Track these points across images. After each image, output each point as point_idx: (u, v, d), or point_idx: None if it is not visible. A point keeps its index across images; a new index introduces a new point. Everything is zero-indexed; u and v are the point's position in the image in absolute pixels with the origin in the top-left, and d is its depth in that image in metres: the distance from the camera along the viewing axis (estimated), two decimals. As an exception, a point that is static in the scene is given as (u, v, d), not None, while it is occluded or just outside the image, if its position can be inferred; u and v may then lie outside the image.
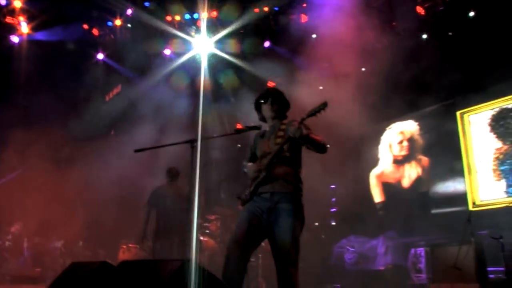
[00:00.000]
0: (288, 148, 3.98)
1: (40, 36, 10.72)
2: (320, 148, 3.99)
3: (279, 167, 3.98)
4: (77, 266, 3.77)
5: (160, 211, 7.59)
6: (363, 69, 10.89)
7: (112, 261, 3.69)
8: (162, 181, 8.04)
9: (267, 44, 11.20)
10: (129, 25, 11.35)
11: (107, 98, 12.73)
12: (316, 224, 11.06)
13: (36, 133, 10.00)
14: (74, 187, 10.55)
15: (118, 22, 11.19)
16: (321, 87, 10.72)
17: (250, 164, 4.13)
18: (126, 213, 10.20)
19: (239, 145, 11.31)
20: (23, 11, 10.51)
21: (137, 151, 4.57)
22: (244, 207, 4.05)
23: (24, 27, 10.68)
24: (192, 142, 4.29)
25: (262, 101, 4.28)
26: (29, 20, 10.66)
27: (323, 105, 3.74)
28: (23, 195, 10.05)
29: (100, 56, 11.82)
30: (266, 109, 4.26)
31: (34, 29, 10.74)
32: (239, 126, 4.39)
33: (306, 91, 9.24)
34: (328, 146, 4.06)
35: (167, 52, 11.68)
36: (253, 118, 4.54)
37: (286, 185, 3.95)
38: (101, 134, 11.71)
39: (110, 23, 11.32)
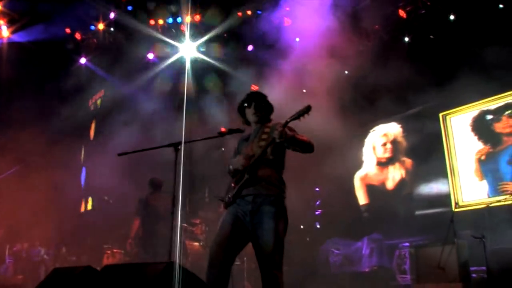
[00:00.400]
0: (271, 151, 3.97)
1: (19, 37, 10.59)
2: (306, 147, 3.98)
3: (263, 170, 3.96)
4: (60, 272, 3.73)
5: (146, 220, 7.64)
6: (346, 72, 10.96)
7: (97, 266, 3.66)
8: (146, 190, 8.06)
9: (250, 48, 11.21)
10: (112, 29, 11.31)
11: (89, 103, 12.65)
12: (302, 227, 11.09)
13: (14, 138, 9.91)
14: (56, 193, 10.46)
15: (101, 26, 11.15)
16: (304, 90, 10.77)
17: (237, 157, 4.11)
18: (110, 218, 10.13)
19: (222, 149, 11.30)
20: (3, 14, 10.41)
21: (120, 154, 4.56)
22: (227, 210, 4.03)
23: (5, 31, 10.57)
24: (175, 146, 4.28)
25: (246, 104, 4.28)
26: (10, 23, 10.56)
27: (307, 109, 3.74)
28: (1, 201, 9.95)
29: (83, 60, 11.75)
30: (250, 113, 4.26)
31: (14, 32, 10.63)
32: (222, 129, 4.37)
33: (289, 95, 9.27)
34: (313, 147, 4.05)
35: (150, 56, 11.64)
36: (238, 121, 4.54)
37: (269, 187, 3.93)
38: (82, 139, 11.62)
39: (93, 27, 11.26)
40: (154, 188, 7.96)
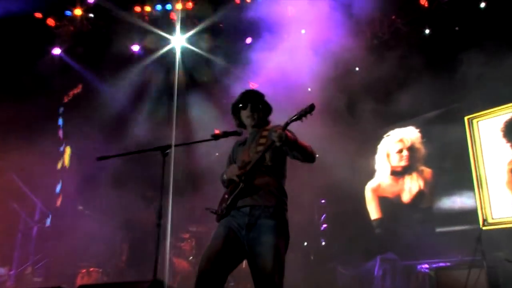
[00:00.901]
0: (270, 157, 3.94)
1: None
2: (308, 157, 3.95)
3: (260, 178, 3.93)
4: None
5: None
6: (357, 68, 10.93)
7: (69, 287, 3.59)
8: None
9: (248, 40, 11.15)
10: (91, 15, 11.21)
11: (65, 99, 12.56)
12: (305, 244, 11.03)
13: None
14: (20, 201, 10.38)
15: (78, 11, 11.04)
16: (309, 89, 10.74)
17: (233, 165, 4.09)
18: (86, 233, 10.05)
19: (217, 154, 11.25)
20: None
21: (100, 158, 4.50)
22: (220, 223, 3.99)
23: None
24: (163, 149, 4.23)
25: (241, 106, 4.24)
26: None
27: (310, 108, 3.70)
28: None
29: (57, 51, 11.63)
30: (245, 116, 4.25)
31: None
32: (217, 131, 4.32)
33: (293, 94, 9.24)
34: (317, 156, 4.02)
35: (135, 48, 11.57)
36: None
37: (268, 198, 3.89)
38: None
39: (68, 13, 11.16)
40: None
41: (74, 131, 11.68)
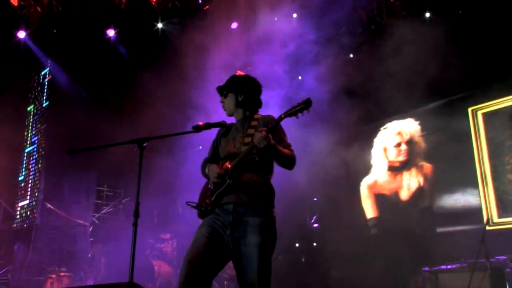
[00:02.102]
0: (257, 150, 3.91)
1: None
2: (286, 163, 4.02)
3: (247, 174, 3.97)
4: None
5: None
6: (351, 55, 10.91)
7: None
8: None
9: (234, 25, 11.08)
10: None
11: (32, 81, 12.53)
12: (297, 245, 11.04)
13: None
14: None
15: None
16: (300, 77, 10.73)
17: (212, 165, 4.10)
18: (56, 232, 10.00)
19: (200, 147, 11.21)
20: None
21: (70, 152, 4.45)
22: (203, 222, 4.00)
23: None
24: (140, 142, 4.18)
25: (221, 94, 4.28)
26: None
27: (306, 104, 3.71)
28: None
29: (21, 34, 11.48)
30: (226, 105, 4.30)
31: None
32: (200, 123, 4.29)
33: (286, 80, 9.24)
34: (294, 163, 4.07)
35: (110, 33, 11.47)
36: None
37: (253, 195, 3.92)
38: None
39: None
40: None
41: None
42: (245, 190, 3.91)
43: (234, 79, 4.34)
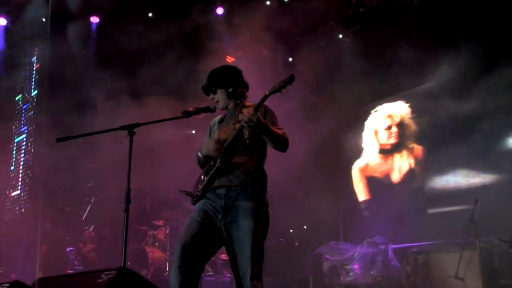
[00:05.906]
0: (250, 134, 3.90)
1: None
2: (279, 143, 3.96)
3: (238, 157, 3.94)
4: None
5: None
6: (340, 36, 10.89)
7: (28, 280, 3.58)
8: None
9: (220, 11, 11.03)
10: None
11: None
12: (291, 231, 11.07)
13: None
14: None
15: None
16: (290, 59, 10.74)
17: (207, 141, 4.11)
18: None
19: (193, 131, 11.22)
20: None
21: (60, 140, 4.44)
22: (195, 207, 3.99)
23: None
24: (130, 128, 4.19)
25: (208, 93, 4.28)
26: None
27: (290, 79, 3.68)
28: None
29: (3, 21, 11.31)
30: (219, 100, 4.26)
31: None
32: (190, 109, 4.29)
33: (271, 65, 9.23)
34: (288, 145, 4.01)
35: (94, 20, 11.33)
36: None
37: (245, 178, 3.90)
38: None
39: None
40: None
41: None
42: (236, 173, 3.88)
43: (216, 74, 4.28)
